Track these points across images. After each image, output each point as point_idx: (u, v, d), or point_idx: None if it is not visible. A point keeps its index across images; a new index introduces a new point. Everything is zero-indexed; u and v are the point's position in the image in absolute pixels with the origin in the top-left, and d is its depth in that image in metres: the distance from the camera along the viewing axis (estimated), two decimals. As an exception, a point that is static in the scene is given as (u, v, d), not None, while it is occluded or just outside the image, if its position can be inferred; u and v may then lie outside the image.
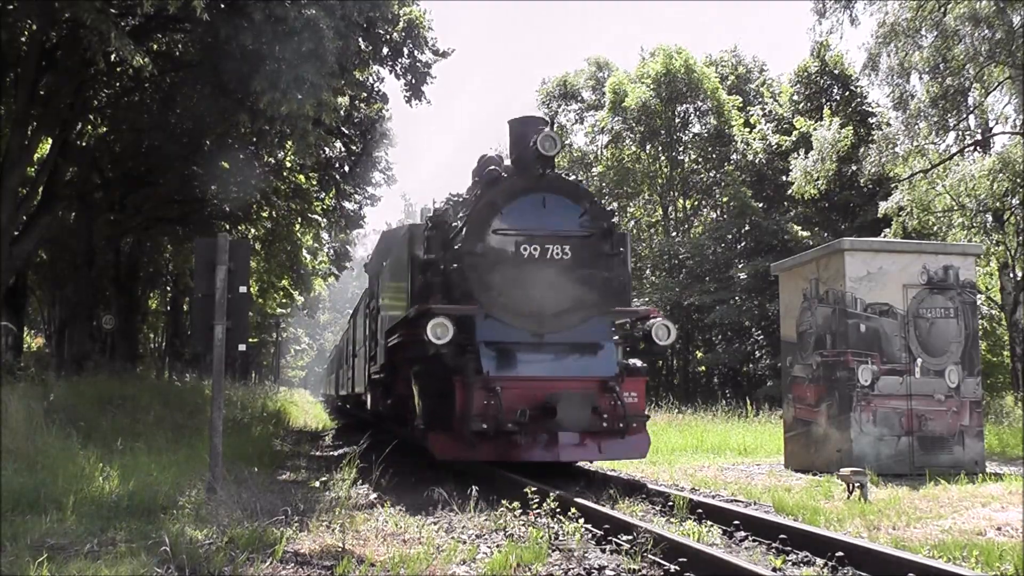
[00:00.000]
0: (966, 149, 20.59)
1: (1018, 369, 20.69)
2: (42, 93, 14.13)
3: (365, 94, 17.82)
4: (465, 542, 5.20)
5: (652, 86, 30.71)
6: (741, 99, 31.74)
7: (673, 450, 12.10)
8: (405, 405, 9.50)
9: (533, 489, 5.82)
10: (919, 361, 9.54)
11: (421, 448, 8.76)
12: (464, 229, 8.50)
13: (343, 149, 19.40)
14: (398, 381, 10.17)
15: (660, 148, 32.15)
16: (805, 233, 26.29)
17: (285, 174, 19.87)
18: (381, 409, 12.31)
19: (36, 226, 15.04)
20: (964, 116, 20.57)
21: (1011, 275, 21.19)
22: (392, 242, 12.64)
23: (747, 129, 30.17)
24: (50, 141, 15.40)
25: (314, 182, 20.47)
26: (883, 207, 20.58)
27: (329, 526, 5.33)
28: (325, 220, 22.89)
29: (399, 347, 9.62)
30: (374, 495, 6.80)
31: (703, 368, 31.21)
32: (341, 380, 24.76)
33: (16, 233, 14.29)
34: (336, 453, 12.53)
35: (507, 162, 9.54)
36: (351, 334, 20.43)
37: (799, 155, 22.59)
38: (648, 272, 31.56)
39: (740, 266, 27.34)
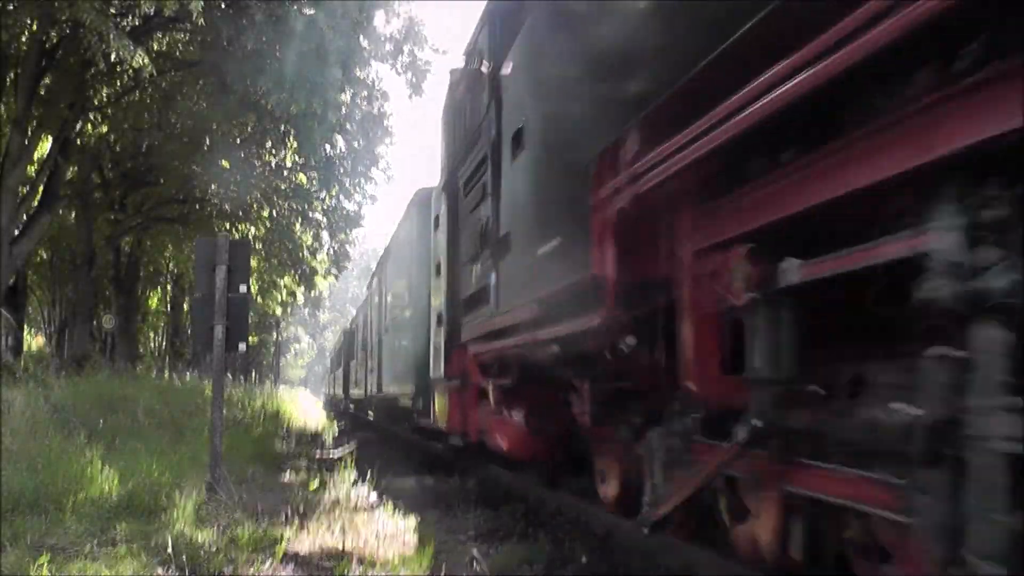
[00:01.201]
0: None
1: None
2: (42, 93, 14.13)
3: (366, 92, 17.84)
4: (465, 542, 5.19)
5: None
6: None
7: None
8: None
9: None
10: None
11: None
12: None
13: (344, 148, 19.41)
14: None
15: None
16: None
17: (286, 173, 19.86)
18: (486, 438, 6.01)
19: (36, 226, 15.04)
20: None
21: None
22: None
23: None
24: (50, 141, 15.40)
25: (315, 182, 20.46)
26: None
27: (329, 527, 5.32)
28: (325, 220, 22.88)
29: None
30: (374, 496, 6.79)
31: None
32: (354, 376, 17.64)
33: (16, 233, 14.29)
34: (336, 455, 12.52)
35: None
36: (376, 302, 14.25)
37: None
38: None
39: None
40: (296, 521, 5.44)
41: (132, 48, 10.08)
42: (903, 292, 1.94)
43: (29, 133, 13.80)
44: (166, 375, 23.90)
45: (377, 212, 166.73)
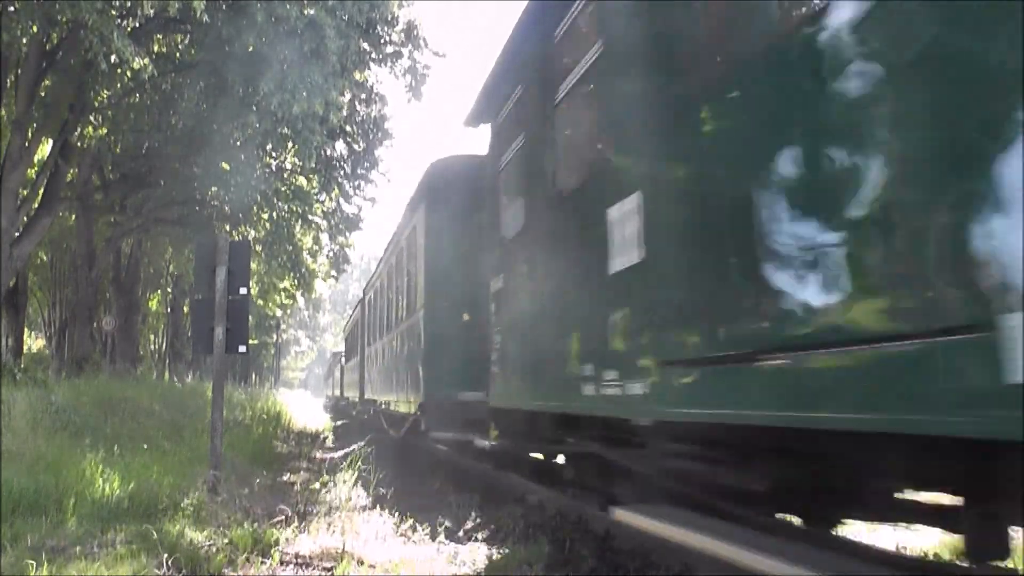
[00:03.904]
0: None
1: None
2: (43, 94, 14.14)
3: (364, 95, 17.85)
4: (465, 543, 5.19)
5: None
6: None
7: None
8: None
9: None
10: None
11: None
12: None
13: (344, 151, 19.41)
14: None
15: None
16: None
17: (286, 175, 19.87)
18: None
19: (36, 227, 15.04)
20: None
21: None
22: None
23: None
24: (50, 142, 15.40)
25: (314, 184, 20.48)
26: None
27: (329, 527, 5.32)
28: (325, 222, 22.90)
29: None
30: (375, 496, 6.78)
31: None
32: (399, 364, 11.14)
33: (16, 234, 14.29)
34: (337, 455, 12.51)
35: None
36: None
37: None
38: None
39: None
40: (296, 521, 5.44)
41: (133, 49, 10.07)
42: None
43: (29, 135, 13.80)
44: (166, 377, 23.94)
45: (377, 215, 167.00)
